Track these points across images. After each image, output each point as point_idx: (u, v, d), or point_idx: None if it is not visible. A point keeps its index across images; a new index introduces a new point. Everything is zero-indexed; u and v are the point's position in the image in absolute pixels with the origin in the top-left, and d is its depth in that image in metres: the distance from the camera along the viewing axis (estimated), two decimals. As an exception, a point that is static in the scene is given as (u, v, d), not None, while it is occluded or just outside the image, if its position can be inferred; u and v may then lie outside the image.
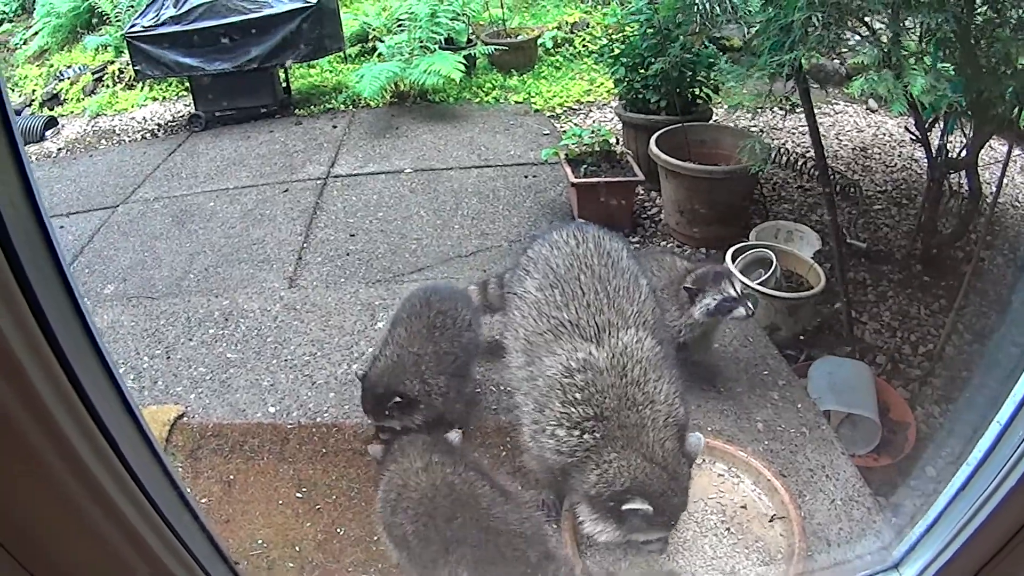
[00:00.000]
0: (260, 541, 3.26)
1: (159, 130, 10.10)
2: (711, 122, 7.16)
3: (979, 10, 4.22)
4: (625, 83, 7.14)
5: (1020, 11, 3.98)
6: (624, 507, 2.69)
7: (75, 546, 1.25)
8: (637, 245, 6.40)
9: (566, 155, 6.64)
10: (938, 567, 1.88)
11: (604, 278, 3.10)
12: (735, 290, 3.77)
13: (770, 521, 3.24)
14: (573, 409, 2.82)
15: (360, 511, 3.35)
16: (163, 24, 9.18)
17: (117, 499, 1.22)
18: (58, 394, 1.07)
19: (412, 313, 3.71)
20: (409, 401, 3.45)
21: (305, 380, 4.19)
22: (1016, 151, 7.24)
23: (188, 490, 1.48)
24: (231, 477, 3.61)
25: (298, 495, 3.48)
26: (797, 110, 4.96)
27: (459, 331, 3.70)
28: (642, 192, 7.04)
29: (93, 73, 11.63)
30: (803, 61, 4.18)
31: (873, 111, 8.89)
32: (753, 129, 6.92)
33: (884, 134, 8.34)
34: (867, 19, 4.52)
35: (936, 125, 5.23)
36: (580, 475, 2.82)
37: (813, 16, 3.89)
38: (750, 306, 3.80)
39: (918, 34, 4.46)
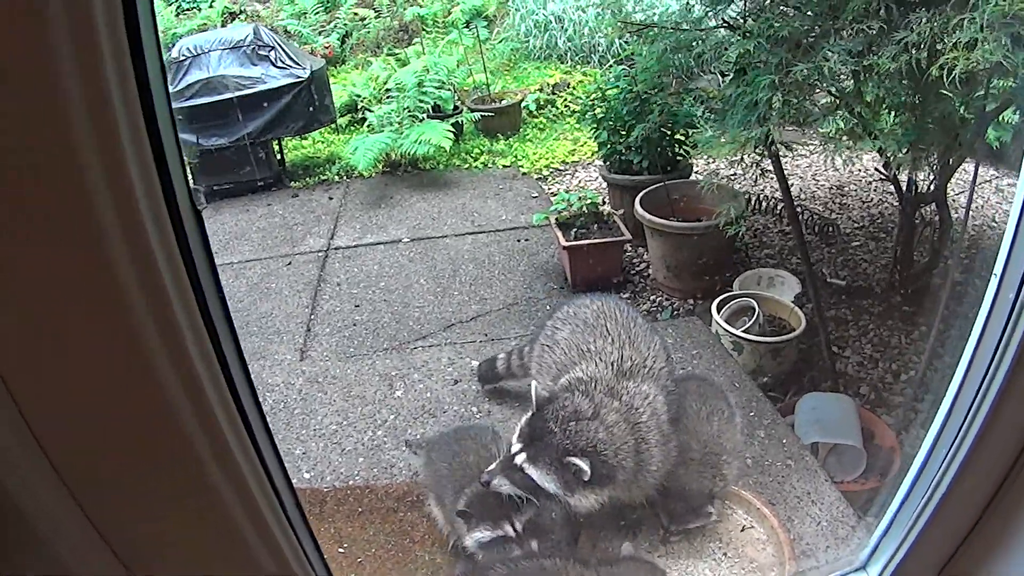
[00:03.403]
0: (306, 595, 3.55)
1: (159, 204, 10.29)
2: (692, 178, 7.46)
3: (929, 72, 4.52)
4: (608, 146, 7.42)
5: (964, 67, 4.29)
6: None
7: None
8: (628, 300, 6.68)
9: (556, 219, 6.94)
10: (897, 563, 2.17)
11: (627, 326, 3.57)
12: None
13: (742, 531, 3.61)
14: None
15: (399, 561, 3.60)
16: (160, 100, 9.43)
17: (263, 507, 1.46)
18: (228, 419, 1.31)
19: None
20: None
21: (334, 447, 4.45)
22: (991, 171, 7.57)
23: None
24: (276, 537, 3.87)
25: (340, 550, 3.72)
26: (768, 173, 5.26)
27: None
28: (630, 249, 7.35)
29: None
30: (771, 132, 4.48)
31: (848, 148, 9.12)
32: (732, 179, 7.20)
33: (859, 170, 8.57)
34: (829, 89, 4.83)
35: (904, 163, 5.50)
36: None
37: (774, 95, 4.23)
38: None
39: (871, 100, 4.80)
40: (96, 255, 1.04)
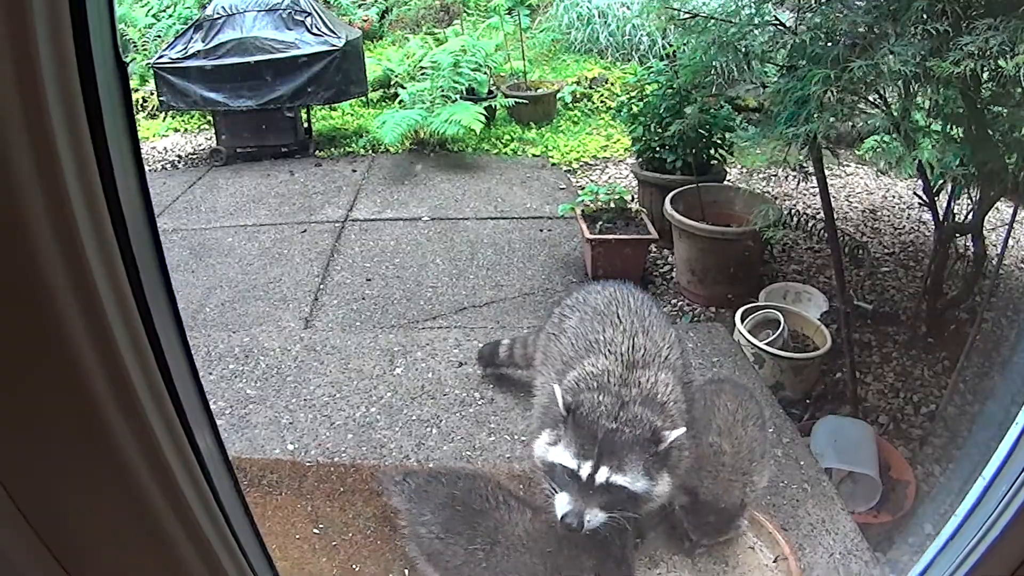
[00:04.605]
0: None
1: (180, 161, 10.25)
2: (725, 183, 7.28)
3: (986, 85, 4.34)
4: (642, 142, 7.27)
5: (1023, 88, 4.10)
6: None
7: (150, 563, 1.30)
8: (648, 301, 6.47)
9: (582, 211, 6.75)
10: None
11: (641, 315, 3.28)
12: None
13: (775, 561, 3.34)
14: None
15: (375, 549, 3.40)
16: (191, 57, 9.33)
17: (200, 517, 1.28)
18: (158, 407, 1.14)
19: None
20: None
21: (324, 420, 4.26)
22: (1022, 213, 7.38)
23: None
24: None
25: (315, 531, 3.53)
26: (810, 176, 5.07)
27: None
28: (655, 250, 7.16)
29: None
30: (818, 132, 4.28)
31: (884, 173, 9.00)
32: (766, 191, 7.04)
33: (894, 196, 8.47)
34: (881, 91, 4.64)
35: (944, 190, 5.34)
36: None
37: (829, 90, 4.01)
38: None
39: (927, 107, 4.59)
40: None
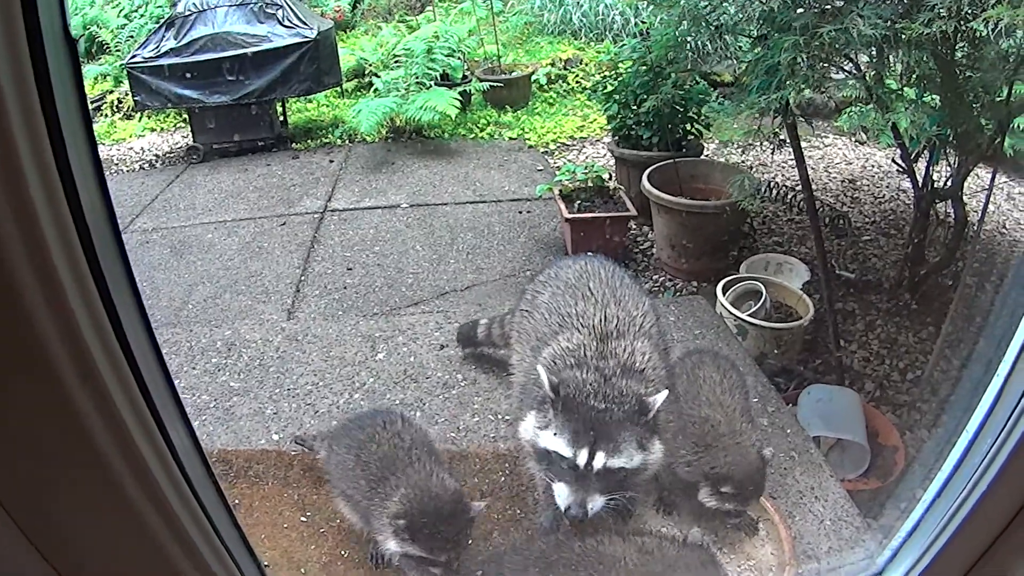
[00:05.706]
0: (265, 564, 3.32)
1: (157, 161, 10.16)
2: (702, 157, 7.27)
3: (958, 47, 4.34)
4: (618, 119, 7.25)
5: (995, 48, 4.10)
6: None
7: (127, 550, 1.30)
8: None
9: (560, 191, 6.73)
10: (919, 572, 1.97)
11: (612, 286, 3.24)
12: None
13: (757, 521, 3.34)
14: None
15: (362, 535, 3.40)
16: (163, 56, 9.29)
17: (174, 504, 1.27)
18: (127, 397, 1.12)
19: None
20: None
21: (308, 409, 4.23)
22: (1002, 178, 7.40)
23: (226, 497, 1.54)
24: (236, 501, 3.63)
25: (302, 519, 3.51)
26: (785, 145, 5.06)
27: None
28: (634, 227, 7.15)
29: (92, 102, 11.60)
30: (790, 98, 4.28)
31: (862, 143, 9.03)
32: (743, 164, 7.04)
33: (873, 166, 8.48)
34: (852, 56, 4.64)
35: (922, 156, 5.34)
36: None
37: (798, 56, 4.01)
38: None
39: (899, 71, 4.59)
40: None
